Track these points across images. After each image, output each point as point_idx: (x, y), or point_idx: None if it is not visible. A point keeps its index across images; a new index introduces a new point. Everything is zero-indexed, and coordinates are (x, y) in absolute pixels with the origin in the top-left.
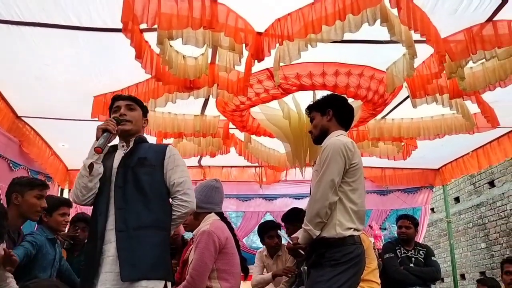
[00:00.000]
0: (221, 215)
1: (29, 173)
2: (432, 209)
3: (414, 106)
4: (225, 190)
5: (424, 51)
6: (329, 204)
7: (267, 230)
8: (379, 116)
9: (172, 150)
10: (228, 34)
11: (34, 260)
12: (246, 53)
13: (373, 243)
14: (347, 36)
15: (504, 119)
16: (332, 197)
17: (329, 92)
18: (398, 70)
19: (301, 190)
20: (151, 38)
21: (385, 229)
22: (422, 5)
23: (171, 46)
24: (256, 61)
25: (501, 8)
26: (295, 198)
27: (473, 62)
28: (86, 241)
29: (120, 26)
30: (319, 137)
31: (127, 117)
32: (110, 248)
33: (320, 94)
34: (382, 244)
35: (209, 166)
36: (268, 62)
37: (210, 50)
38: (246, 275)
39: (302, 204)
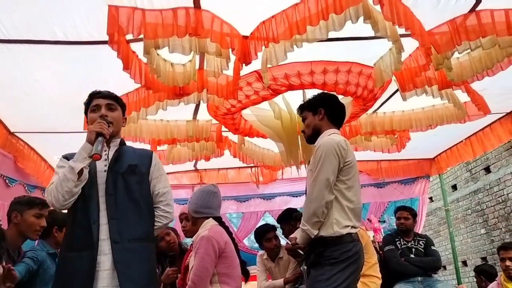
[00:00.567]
0: (219, 219)
1: (26, 188)
2: (431, 198)
3: (404, 99)
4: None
5: (411, 45)
6: (325, 203)
7: (263, 234)
8: (370, 111)
9: (156, 158)
10: (214, 40)
11: (35, 275)
12: (233, 57)
13: (373, 236)
14: (333, 34)
15: (494, 106)
16: (328, 196)
17: (318, 91)
18: (385, 64)
19: (299, 187)
20: (138, 47)
21: (384, 221)
22: (405, 0)
23: (158, 54)
24: (243, 64)
25: None
26: (293, 196)
27: (459, 53)
28: (64, 249)
29: (106, 38)
30: (312, 136)
31: (109, 119)
32: (105, 261)
33: (310, 92)
34: (382, 237)
35: (205, 169)
36: (256, 64)
37: (197, 56)
38: (246, 277)
39: (301, 201)
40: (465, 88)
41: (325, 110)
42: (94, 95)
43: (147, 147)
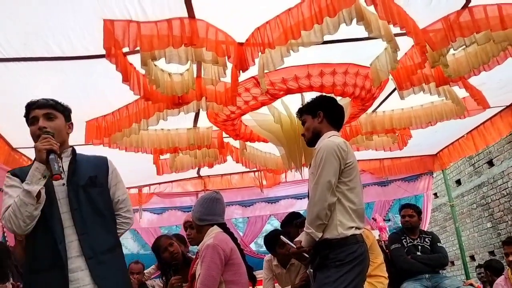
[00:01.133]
0: (223, 226)
1: None
2: (435, 194)
3: (402, 97)
4: (227, 197)
5: (406, 43)
6: (328, 206)
7: (277, 240)
8: (370, 110)
9: (112, 164)
10: (210, 49)
11: None
12: (230, 64)
13: (379, 235)
14: (329, 36)
15: (494, 100)
16: (330, 198)
17: (316, 93)
18: (381, 64)
19: (303, 189)
20: (135, 60)
21: (389, 220)
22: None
23: (155, 65)
24: (240, 71)
25: None
26: (298, 198)
27: (454, 50)
28: (29, 271)
29: (103, 51)
30: (312, 139)
31: (48, 130)
32: (83, 277)
33: (308, 95)
34: (388, 236)
35: (208, 176)
36: (254, 70)
37: (195, 65)
38: (253, 283)
39: (305, 203)
40: (463, 83)
41: (324, 113)
42: (30, 106)
43: (150, 157)
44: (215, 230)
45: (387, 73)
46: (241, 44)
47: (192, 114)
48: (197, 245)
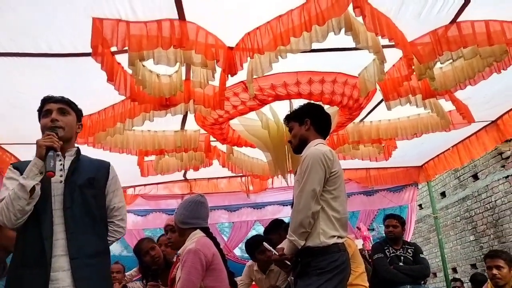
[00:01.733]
0: (206, 230)
1: None
2: (420, 205)
3: (389, 108)
4: (213, 201)
5: (394, 55)
6: (311, 214)
7: (258, 245)
8: (357, 120)
9: (114, 170)
10: (199, 51)
11: None
12: (220, 68)
13: (363, 244)
14: (318, 45)
15: (480, 114)
16: (314, 206)
17: (305, 101)
18: (369, 74)
19: (289, 196)
20: (123, 59)
21: (373, 229)
22: (386, 11)
23: (144, 66)
24: (229, 75)
25: (464, 9)
26: (284, 205)
27: (441, 63)
28: (15, 265)
29: (90, 50)
30: (298, 146)
31: (60, 123)
32: (64, 277)
33: (297, 102)
34: (371, 245)
35: (195, 179)
36: (243, 74)
37: (183, 67)
38: None
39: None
40: (449, 97)
41: (311, 120)
42: (46, 101)
43: (134, 158)
44: (197, 234)
45: (374, 84)
46: (230, 48)
47: (180, 117)
48: (178, 250)
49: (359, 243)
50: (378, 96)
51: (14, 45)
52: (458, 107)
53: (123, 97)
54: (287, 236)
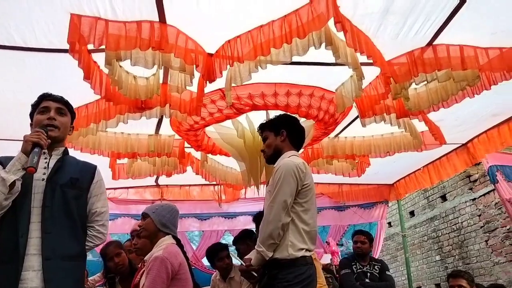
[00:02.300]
0: (177, 239)
1: None
2: (389, 223)
3: (363, 125)
4: (184, 209)
5: (371, 73)
6: (281, 225)
7: (216, 253)
8: (332, 134)
9: (99, 174)
10: (178, 55)
11: None
12: (198, 74)
13: (331, 259)
14: (298, 58)
15: (451, 136)
16: (284, 218)
17: (281, 112)
18: (347, 91)
19: (261, 207)
20: (100, 58)
21: (342, 245)
22: (366, 30)
23: (120, 66)
24: (208, 81)
25: (440, 32)
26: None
27: (416, 84)
28: None
29: (67, 46)
30: (272, 156)
31: (57, 123)
32: (33, 278)
33: (273, 113)
34: (339, 260)
35: (166, 185)
36: (221, 82)
37: (161, 71)
38: None
39: None
40: (423, 118)
41: (287, 132)
42: (44, 97)
43: (106, 160)
44: (166, 241)
45: (351, 100)
46: (210, 54)
47: (155, 120)
48: (143, 255)
49: (327, 258)
50: (354, 112)
51: None
52: (431, 128)
53: (96, 97)
54: (255, 247)
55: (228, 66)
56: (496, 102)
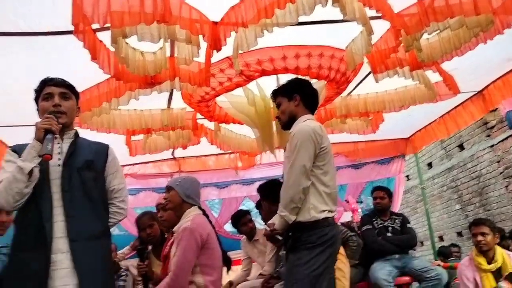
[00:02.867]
0: (202, 210)
1: None
2: (407, 177)
3: (376, 81)
4: (202, 178)
5: (381, 27)
6: (302, 190)
7: (239, 220)
8: (345, 93)
9: (113, 152)
10: (183, 27)
11: None
12: (204, 44)
13: (351, 216)
14: (305, 18)
15: (466, 85)
16: (304, 182)
17: (291, 75)
18: (357, 47)
19: (278, 172)
20: (106, 37)
21: (361, 202)
22: None
23: (127, 43)
24: (215, 51)
25: None
26: None
27: (428, 34)
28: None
29: (71, 28)
30: (287, 122)
31: (62, 109)
32: (63, 259)
33: (283, 78)
34: (359, 217)
35: (183, 157)
36: (228, 50)
37: (168, 44)
38: (228, 267)
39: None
40: (436, 68)
41: (300, 96)
42: (46, 82)
43: (122, 138)
44: (193, 212)
45: (362, 56)
46: (215, 23)
47: (166, 95)
48: (170, 227)
49: (347, 216)
50: (365, 69)
51: None
52: (445, 78)
53: (105, 76)
54: (278, 211)
55: (234, 33)
56: (511, 46)
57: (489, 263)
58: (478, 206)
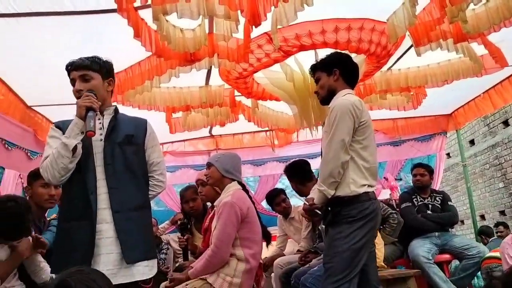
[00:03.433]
0: (242, 184)
1: None
2: (448, 154)
3: (418, 54)
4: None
5: None
6: (341, 164)
7: (273, 199)
8: (384, 68)
9: (151, 127)
10: (222, 2)
11: None
12: (243, 20)
13: (390, 194)
14: None
15: None
16: (343, 156)
17: (330, 50)
18: (399, 19)
19: (314, 149)
20: (146, 15)
21: (400, 179)
22: None
23: (167, 21)
24: (253, 26)
25: None
26: (309, 158)
27: (474, 4)
28: (63, 219)
29: (114, 6)
30: (326, 97)
31: (83, 93)
32: (107, 229)
33: (322, 52)
34: (398, 195)
35: (220, 135)
36: (266, 25)
37: (206, 21)
38: (268, 241)
39: (317, 162)
40: (482, 40)
41: (339, 71)
42: (67, 68)
43: (162, 115)
44: (233, 187)
45: (404, 29)
46: None
47: (204, 72)
48: (210, 202)
49: (386, 193)
50: (406, 43)
51: (40, 4)
52: (491, 50)
53: (147, 54)
54: (317, 186)
55: (273, 8)
56: None
57: None
58: None
